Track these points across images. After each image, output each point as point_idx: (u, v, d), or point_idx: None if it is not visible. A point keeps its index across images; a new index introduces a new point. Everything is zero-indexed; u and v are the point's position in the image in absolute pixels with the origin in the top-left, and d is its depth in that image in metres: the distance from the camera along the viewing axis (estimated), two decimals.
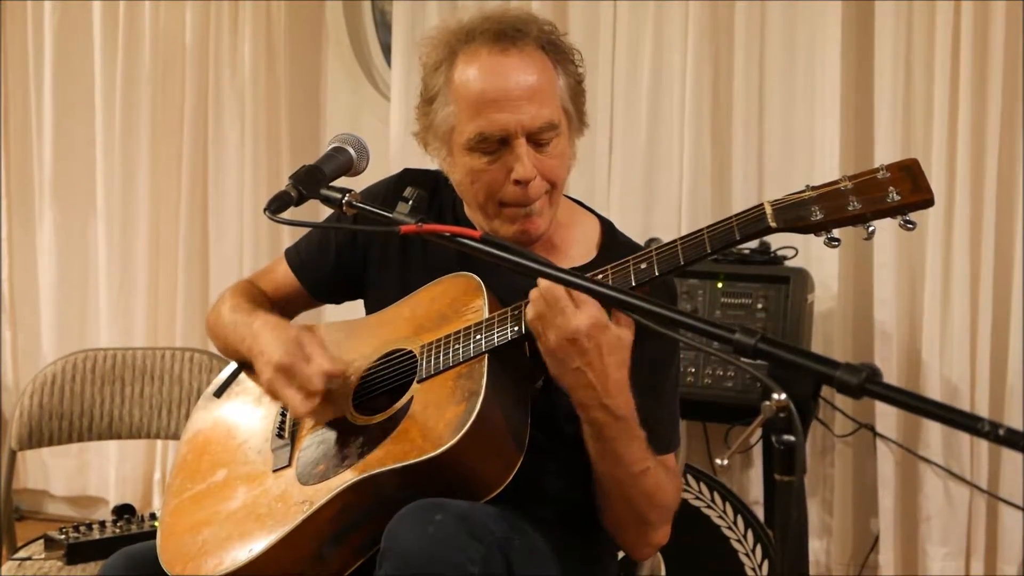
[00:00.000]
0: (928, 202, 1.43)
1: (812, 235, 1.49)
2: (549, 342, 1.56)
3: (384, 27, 4.20)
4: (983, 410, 3.17)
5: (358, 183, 1.71)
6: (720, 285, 3.09)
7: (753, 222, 1.50)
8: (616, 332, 1.56)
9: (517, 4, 3.54)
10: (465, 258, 1.81)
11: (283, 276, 2.02)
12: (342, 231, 1.95)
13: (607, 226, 1.91)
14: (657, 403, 1.74)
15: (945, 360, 3.22)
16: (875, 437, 3.29)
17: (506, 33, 1.73)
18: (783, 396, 1.18)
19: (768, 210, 1.49)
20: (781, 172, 3.47)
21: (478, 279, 1.75)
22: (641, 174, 3.53)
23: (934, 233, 3.18)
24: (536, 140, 1.73)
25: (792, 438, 1.19)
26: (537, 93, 1.71)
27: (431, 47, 1.80)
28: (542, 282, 1.55)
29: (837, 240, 1.48)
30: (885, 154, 3.21)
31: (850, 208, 1.44)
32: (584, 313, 1.54)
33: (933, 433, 3.22)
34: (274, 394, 1.74)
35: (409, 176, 1.94)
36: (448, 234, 1.51)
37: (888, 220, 1.46)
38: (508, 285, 1.74)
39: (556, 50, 1.77)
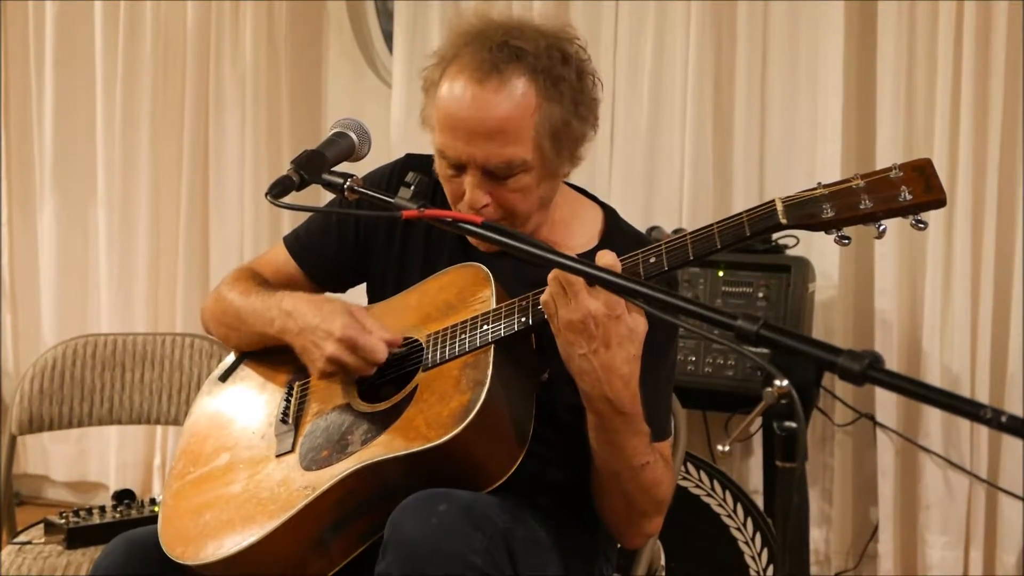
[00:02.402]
0: (940, 202, 1.43)
1: (823, 232, 1.48)
2: (558, 324, 1.55)
3: (386, 15, 4.19)
4: (983, 399, 3.17)
5: (360, 168, 1.70)
6: (721, 274, 3.09)
7: (763, 218, 1.49)
8: (629, 324, 1.53)
9: (521, 5, 3.54)
10: (466, 249, 1.82)
11: (283, 263, 2.00)
12: (344, 217, 1.94)
13: (610, 215, 1.90)
14: (652, 390, 1.71)
15: (946, 349, 3.22)
16: (875, 426, 3.29)
17: (491, 59, 1.67)
18: (785, 383, 1.17)
19: (779, 207, 1.49)
20: (783, 164, 3.48)
21: (486, 270, 1.74)
22: (642, 165, 3.53)
23: (935, 222, 3.18)
24: (493, 174, 1.70)
25: (794, 425, 1.19)
26: (501, 132, 1.66)
27: (446, 39, 1.76)
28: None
29: (848, 238, 1.47)
30: (887, 148, 3.22)
31: (862, 206, 1.44)
32: (598, 299, 1.51)
33: (933, 422, 3.22)
34: (337, 365, 1.71)
35: (412, 161, 1.93)
36: (450, 219, 1.51)
37: None
38: (509, 274, 1.73)
39: (549, 80, 1.68)
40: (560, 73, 1.69)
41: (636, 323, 1.54)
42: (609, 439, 1.62)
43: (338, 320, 1.72)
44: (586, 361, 1.54)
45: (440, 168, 1.75)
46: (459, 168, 1.71)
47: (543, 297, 1.57)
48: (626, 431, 1.61)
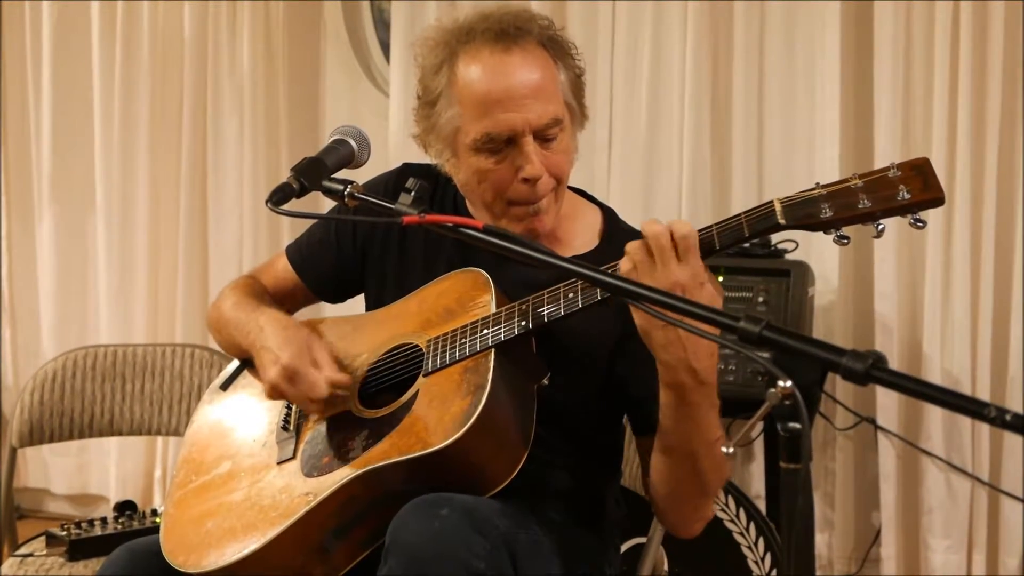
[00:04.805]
0: (939, 201, 1.43)
1: (821, 232, 1.48)
2: None
3: (383, 24, 4.20)
4: None
5: (359, 175, 1.71)
6: (721, 278, 3.09)
7: (762, 219, 1.50)
8: (711, 292, 1.52)
9: (515, 3, 3.54)
10: (465, 255, 1.81)
11: (284, 272, 2.01)
12: (342, 228, 1.95)
13: (609, 214, 1.91)
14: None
15: (946, 352, 3.22)
16: (876, 430, 3.29)
17: (506, 32, 1.72)
18: (789, 383, 1.17)
19: (777, 207, 1.49)
20: (781, 166, 3.48)
21: (486, 274, 1.75)
22: (641, 168, 3.53)
23: (934, 225, 3.18)
24: (543, 136, 1.72)
25: (798, 425, 1.18)
26: (541, 90, 1.71)
27: (428, 48, 1.78)
28: (648, 230, 1.51)
29: (847, 238, 1.47)
30: (885, 147, 3.22)
31: (860, 206, 1.44)
32: (687, 267, 1.49)
33: (934, 426, 3.22)
34: (277, 392, 1.75)
35: (409, 170, 1.93)
36: (451, 224, 1.50)
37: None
38: (510, 279, 1.73)
39: (555, 46, 1.77)
40: (556, 39, 1.77)
41: (719, 289, 1.54)
42: (689, 414, 1.58)
43: (290, 349, 1.74)
44: (671, 332, 1.51)
45: (480, 163, 1.74)
46: (509, 142, 1.71)
47: (624, 267, 1.54)
48: (705, 404, 1.58)
